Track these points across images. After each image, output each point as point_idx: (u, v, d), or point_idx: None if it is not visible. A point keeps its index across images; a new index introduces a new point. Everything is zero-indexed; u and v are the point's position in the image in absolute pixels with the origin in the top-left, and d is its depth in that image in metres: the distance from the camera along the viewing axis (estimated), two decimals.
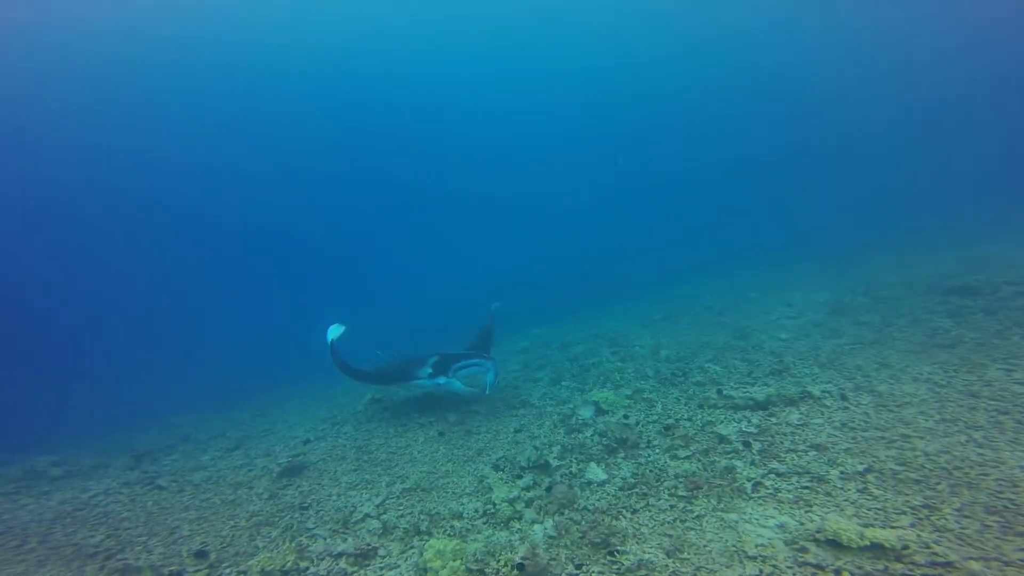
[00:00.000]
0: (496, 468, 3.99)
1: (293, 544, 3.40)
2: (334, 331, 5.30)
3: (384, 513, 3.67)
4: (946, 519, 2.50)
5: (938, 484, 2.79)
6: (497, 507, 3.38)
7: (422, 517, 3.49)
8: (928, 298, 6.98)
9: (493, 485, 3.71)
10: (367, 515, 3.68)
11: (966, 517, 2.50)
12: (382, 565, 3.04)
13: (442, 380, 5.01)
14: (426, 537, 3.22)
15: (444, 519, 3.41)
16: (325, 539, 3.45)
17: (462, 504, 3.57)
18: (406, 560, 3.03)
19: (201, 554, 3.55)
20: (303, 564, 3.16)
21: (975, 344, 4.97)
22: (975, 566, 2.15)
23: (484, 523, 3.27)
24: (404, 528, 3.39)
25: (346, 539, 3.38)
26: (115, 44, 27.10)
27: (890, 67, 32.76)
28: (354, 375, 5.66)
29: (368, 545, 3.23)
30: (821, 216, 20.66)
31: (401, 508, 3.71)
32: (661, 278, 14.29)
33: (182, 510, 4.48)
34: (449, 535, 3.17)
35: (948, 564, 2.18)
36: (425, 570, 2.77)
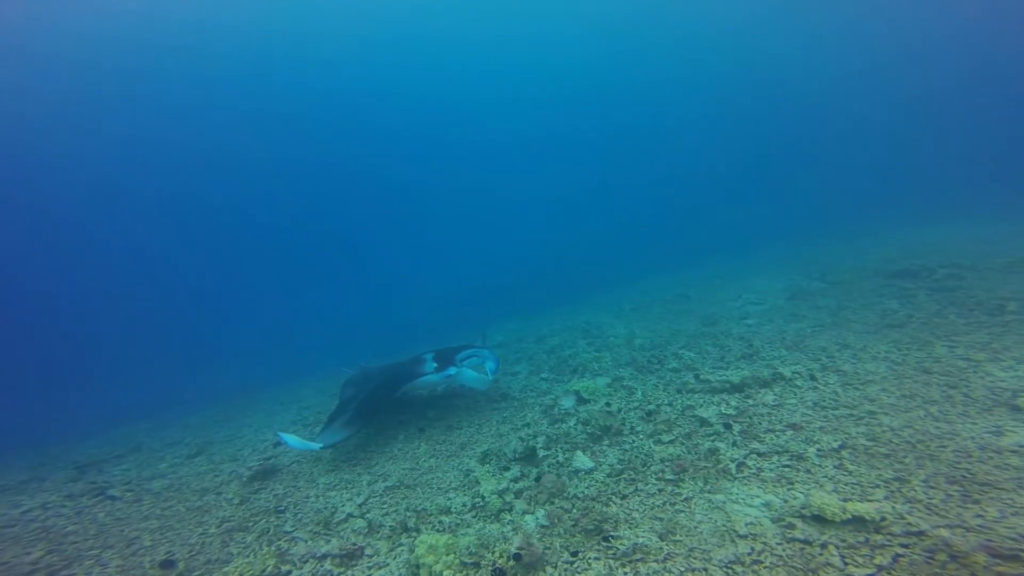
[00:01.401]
0: (482, 461, 3.94)
1: (272, 548, 3.24)
2: (294, 441, 4.22)
3: (368, 512, 3.55)
4: (915, 490, 2.66)
5: (905, 457, 2.97)
6: (486, 500, 3.33)
7: (408, 514, 3.40)
8: (876, 282, 7.46)
9: (480, 478, 3.66)
10: (350, 515, 3.55)
11: (932, 488, 2.67)
12: (370, 564, 2.93)
13: (452, 371, 4.73)
14: (414, 534, 3.14)
15: (432, 515, 3.33)
16: (306, 541, 3.31)
17: (449, 499, 3.50)
18: (395, 558, 2.94)
19: (168, 563, 3.33)
20: (285, 568, 3.01)
21: (920, 324, 5.34)
22: (944, 533, 2.30)
23: (474, 516, 3.22)
24: (390, 526, 3.29)
25: (329, 540, 3.24)
26: (121, 33, 26.23)
27: (851, 63, 34.57)
28: (367, 410, 4.75)
29: (354, 545, 3.12)
30: (778, 206, 21.73)
31: (385, 506, 3.60)
32: (630, 271, 14.60)
33: (141, 520, 4.19)
34: (439, 530, 3.10)
35: (921, 533, 2.32)
36: (418, 566, 2.70)
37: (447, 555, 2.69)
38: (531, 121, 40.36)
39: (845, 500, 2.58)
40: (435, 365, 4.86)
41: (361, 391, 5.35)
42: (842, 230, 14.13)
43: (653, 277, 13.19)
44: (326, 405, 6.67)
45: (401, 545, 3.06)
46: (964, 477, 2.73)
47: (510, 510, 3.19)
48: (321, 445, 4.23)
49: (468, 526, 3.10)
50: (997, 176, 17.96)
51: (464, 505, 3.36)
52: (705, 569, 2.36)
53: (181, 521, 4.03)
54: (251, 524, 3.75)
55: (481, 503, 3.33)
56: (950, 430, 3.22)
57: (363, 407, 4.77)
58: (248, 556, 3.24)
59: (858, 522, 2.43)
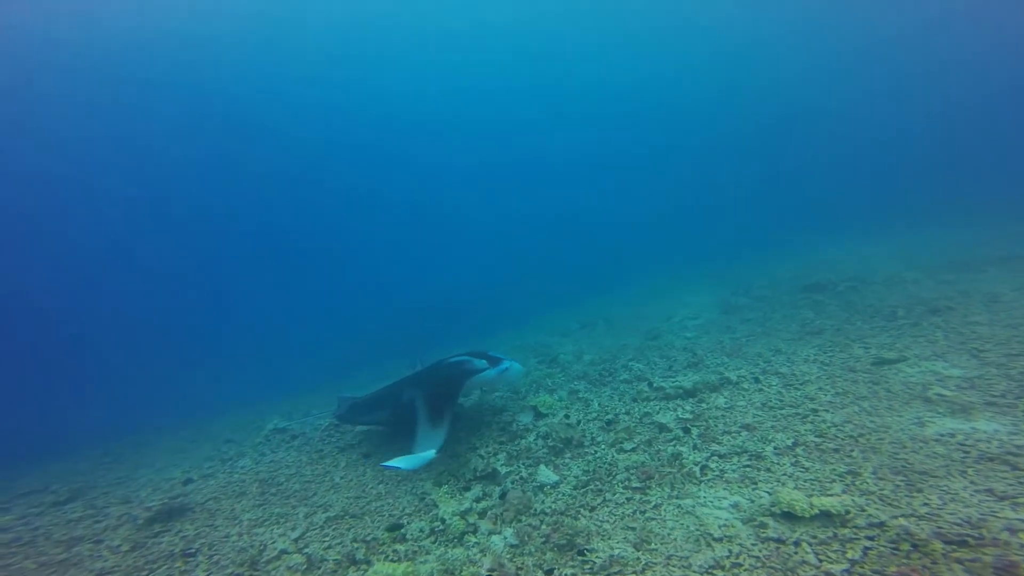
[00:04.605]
0: (438, 483, 3.61)
1: None
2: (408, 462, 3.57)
3: (306, 547, 3.08)
4: (867, 483, 2.77)
5: (852, 451, 3.12)
6: (447, 523, 3.02)
7: (356, 545, 2.99)
8: (793, 295, 8.16)
9: (438, 501, 3.34)
10: (283, 551, 3.06)
11: (881, 479, 2.80)
12: None
13: (506, 364, 4.35)
14: (364, 566, 2.75)
15: (383, 544, 2.95)
16: None
17: (403, 525, 3.14)
18: None
19: None
20: None
21: (834, 330, 5.83)
22: (903, 523, 2.38)
23: (433, 542, 2.89)
24: (334, 559, 2.87)
25: None
26: (120, 40, 25.96)
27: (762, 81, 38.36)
28: (450, 407, 4.09)
29: None
30: (703, 228, 23.52)
31: (327, 539, 3.15)
32: (575, 293, 14.87)
33: None
34: (393, 560, 2.75)
35: (882, 524, 2.39)
36: None
37: None
38: (482, 145, 41.09)
39: (810, 496, 2.63)
40: (485, 363, 4.38)
41: (420, 398, 4.46)
42: (759, 248, 15.50)
43: (596, 297, 13.52)
44: (247, 439, 5.93)
45: None
46: (904, 467, 2.90)
47: (475, 531, 2.91)
48: (436, 450, 3.42)
49: (428, 552, 2.78)
50: (867, 200, 20.90)
51: (422, 531, 3.03)
52: None
53: None
54: (146, 572, 3.11)
55: (441, 527, 3.01)
56: (883, 423, 3.45)
57: (444, 407, 4.07)
58: None
59: (825, 517, 2.47)
